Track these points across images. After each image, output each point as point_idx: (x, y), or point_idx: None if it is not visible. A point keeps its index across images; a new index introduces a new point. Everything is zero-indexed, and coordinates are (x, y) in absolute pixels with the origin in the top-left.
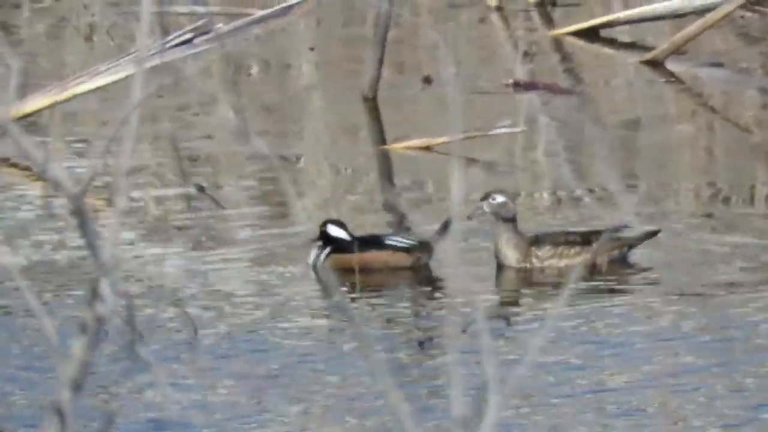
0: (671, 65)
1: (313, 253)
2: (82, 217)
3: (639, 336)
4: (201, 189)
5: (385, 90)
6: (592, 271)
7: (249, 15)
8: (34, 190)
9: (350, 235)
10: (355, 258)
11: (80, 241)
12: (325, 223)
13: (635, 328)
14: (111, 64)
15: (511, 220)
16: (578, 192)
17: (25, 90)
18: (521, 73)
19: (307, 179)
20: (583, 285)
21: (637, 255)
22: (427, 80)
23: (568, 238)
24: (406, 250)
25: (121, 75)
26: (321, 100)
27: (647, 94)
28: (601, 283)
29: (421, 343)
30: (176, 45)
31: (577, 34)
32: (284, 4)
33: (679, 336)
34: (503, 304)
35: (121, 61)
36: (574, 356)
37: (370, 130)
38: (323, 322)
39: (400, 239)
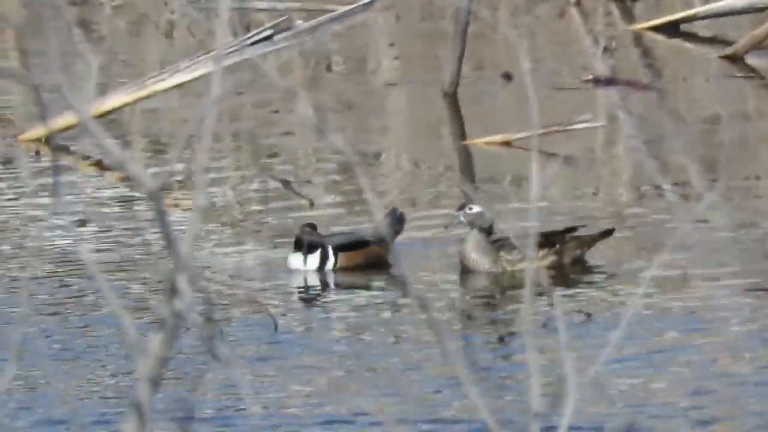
0: (751, 60)
1: (300, 259)
2: (160, 213)
3: (708, 334)
4: (287, 184)
5: (465, 86)
6: (558, 271)
7: (329, 12)
8: (114, 187)
9: (320, 235)
10: (369, 252)
11: (159, 238)
12: (310, 227)
13: (710, 326)
14: (191, 61)
15: (487, 230)
16: (658, 186)
17: (105, 87)
18: (601, 68)
19: (387, 175)
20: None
21: (714, 247)
22: (507, 76)
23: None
24: (382, 244)
25: (201, 72)
26: (401, 96)
27: (727, 89)
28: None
29: (501, 339)
30: (256, 42)
31: (657, 28)
32: (364, 1)
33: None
34: (483, 306)
35: (201, 59)
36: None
37: (450, 126)
38: (399, 316)
39: (372, 235)
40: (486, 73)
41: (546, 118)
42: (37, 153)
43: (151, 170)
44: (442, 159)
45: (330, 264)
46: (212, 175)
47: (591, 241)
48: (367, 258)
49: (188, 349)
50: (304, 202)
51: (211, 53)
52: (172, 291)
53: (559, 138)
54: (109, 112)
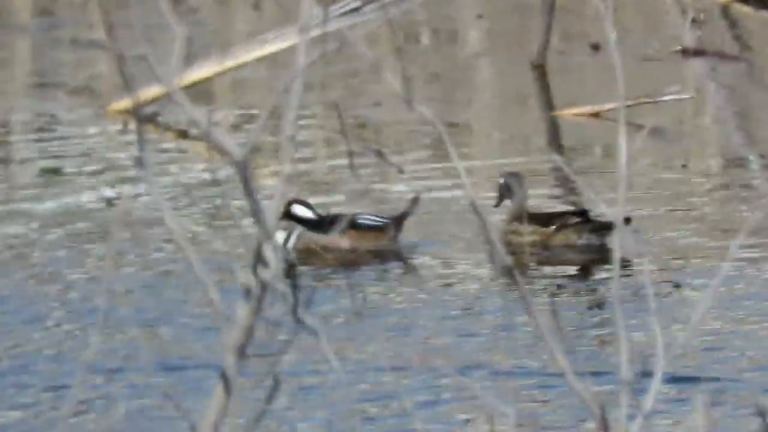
0: None
1: (281, 234)
2: (246, 183)
3: None
4: (379, 154)
5: (554, 57)
6: (547, 249)
7: None
8: (201, 156)
9: (317, 214)
10: (328, 239)
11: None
12: (290, 203)
13: None
14: (279, 32)
15: (518, 197)
16: (746, 158)
17: (193, 58)
18: (689, 39)
19: (474, 146)
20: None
21: None
22: (595, 47)
23: (532, 217)
24: (379, 228)
25: (289, 43)
26: (489, 67)
27: None
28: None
29: (590, 308)
30: (344, 13)
31: (745, 0)
32: None
33: None
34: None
35: (289, 29)
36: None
37: (538, 98)
38: (488, 293)
39: (372, 218)
40: (574, 44)
41: (634, 90)
42: (125, 124)
43: (239, 140)
44: (530, 130)
45: (291, 242)
46: (299, 145)
47: (598, 228)
48: (333, 242)
49: (274, 319)
50: (394, 170)
51: (299, 24)
52: (259, 260)
53: (647, 109)
54: (196, 83)
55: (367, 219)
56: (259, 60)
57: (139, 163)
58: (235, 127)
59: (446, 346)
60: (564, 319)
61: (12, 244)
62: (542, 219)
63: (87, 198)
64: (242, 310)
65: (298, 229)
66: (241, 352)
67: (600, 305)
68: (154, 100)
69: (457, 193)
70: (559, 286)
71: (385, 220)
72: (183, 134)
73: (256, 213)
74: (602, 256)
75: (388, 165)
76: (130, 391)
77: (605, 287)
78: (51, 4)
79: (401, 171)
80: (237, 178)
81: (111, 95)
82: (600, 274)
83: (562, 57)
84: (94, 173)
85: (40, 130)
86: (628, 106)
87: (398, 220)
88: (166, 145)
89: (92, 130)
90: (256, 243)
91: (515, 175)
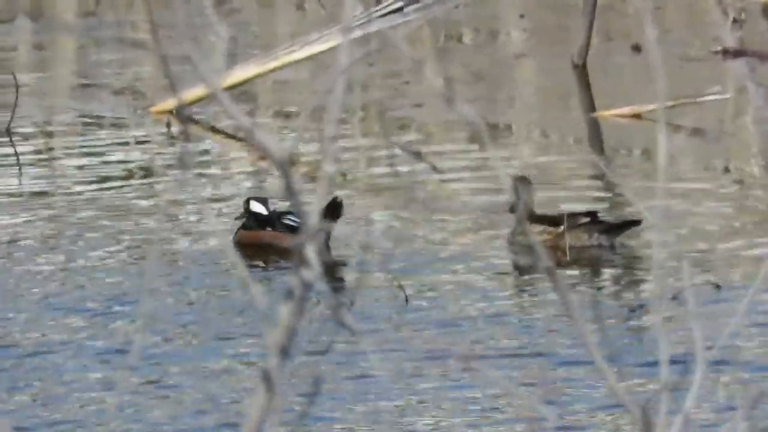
0: None
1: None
2: (288, 184)
3: None
4: (417, 155)
5: (595, 57)
6: (556, 252)
7: None
8: (244, 157)
9: (267, 211)
10: (249, 235)
11: (288, 207)
12: (248, 200)
13: None
14: (322, 33)
15: (522, 201)
16: None
17: (236, 59)
18: (730, 39)
19: (516, 146)
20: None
21: None
22: (636, 48)
23: (539, 219)
24: (293, 229)
25: (331, 44)
26: (530, 67)
27: None
28: None
29: (632, 310)
30: (387, 13)
31: None
32: None
33: None
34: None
35: (332, 30)
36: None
37: (579, 98)
38: (524, 292)
39: (293, 218)
40: (615, 44)
41: (675, 90)
42: (168, 125)
43: (281, 141)
44: (570, 131)
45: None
46: (341, 146)
47: (608, 229)
48: (259, 239)
49: (317, 320)
50: (433, 172)
51: (341, 25)
52: (301, 261)
53: (688, 110)
54: (240, 84)
55: (289, 219)
56: (302, 61)
57: (182, 163)
58: (278, 128)
59: (483, 341)
60: (602, 319)
61: (53, 245)
62: (551, 220)
63: (130, 198)
64: (284, 311)
65: (240, 224)
66: (284, 353)
67: (638, 306)
68: (197, 101)
69: (490, 187)
70: (599, 288)
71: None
72: (226, 135)
73: (298, 213)
74: (614, 256)
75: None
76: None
77: (644, 287)
78: (95, 4)
79: (437, 170)
80: (280, 178)
81: (154, 96)
82: (634, 276)
83: (603, 57)
84: (137, 173)
85: (84, 130)
86: (669, 107)
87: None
88: (208, 146)
89: (135, 130)
90: (298, 243)
91: (522, 179)
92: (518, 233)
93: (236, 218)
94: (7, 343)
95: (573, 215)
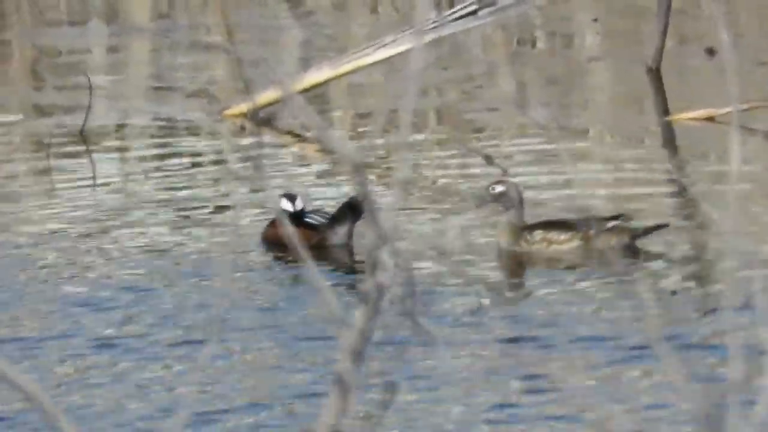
0: None
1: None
2: (362, 187)
3: None
4: (489, 159)
5: (669, 61)
6: (591, 256)
7: None
8: (318, 160)
9: (293, 208)
10: (270, 232)
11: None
12: (283, 196)
13: None
14: (395, 35)
15: (515, 207)
16: None
17: (310, 62)
18: None
19: (590, 150)
20: None
21: None
22: (710, 51)
23: (565, 224)
24: (314, 227)
25: (406, 47)
26: (604, 71)
27: None
28: None
29: (705, 314)
30: (460, 17)
31: None
32: None
33: None
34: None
35: (405, 33)
36: None
37: (653, 101)
38: (602, 291)
39: (316, 217)
40: (689, 48)
41: (749, 94)
42: (242, 128)
43: (355, 144)
44: (645, 134)
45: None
46: (415, 150)
47: (635, 232)
48: (281, 237)
49: (390, 323)
50: (505, 176)
51: (415, 28)
52: (375, 264)
53: (761, 113)
54: (313, 87)
55: (310, 217)
56: (376, 64)
57: (256, 166)
58: (352, 131)
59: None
60: (673, 321)
61: (126, 245)
62: (574, 225)
63: (203, 200)
64: (359, 314)
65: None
66: (358, 356)
67: (709, 310)
68: (271, 104)
69: (566, 194)
70: (674, 292)
71: (322, 221)
72: (300, 138)
73: (371, 217)
74: (639, 259)
75: (499, 169)
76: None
77: (716, 290)
78: (169, 7)
79: (507, 174)
80: (354, 181)
81: (228, 99)
82: (703, 278)
83: (678, 60)
84: (210, 176)
85: (157, 133)
86: (742, 110)
87: (333, 222)
88: (282, 149)
89: (209, 133)
90: (372, 246)
91: (514, 186)
92: (525, 241)
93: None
94: (110, 334)
95: (600, 219)
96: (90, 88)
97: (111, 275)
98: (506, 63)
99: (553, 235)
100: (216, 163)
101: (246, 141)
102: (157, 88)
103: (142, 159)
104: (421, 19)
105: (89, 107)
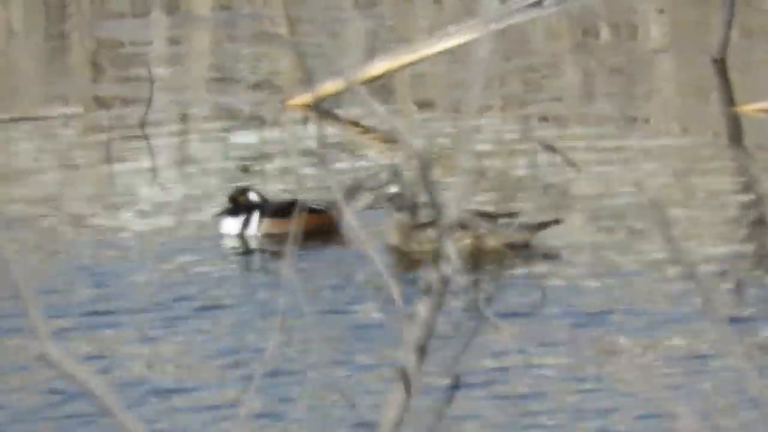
0: None
1: (233, 221)
2: (426, 178)
3: None
4: (552, 149)
5: (734, 52)
6: (480, 254)
7: None
8: (382, 151)
9: (264, 200)
10: (295, 222)
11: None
12: (244, 191)
13: None
14: (459, 26)
15: (406, 208)
16: None
17: (374, 52)
18: None
19: (655, 141)
20: None
21: None
22: None
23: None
24: (322, 213)
25: (470, 37)
26: (669, 61)
27: None
28: None
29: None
30: (524, 7)
31: None
32: None
33: None
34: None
35: (470, 23)
36: None
37: (719, 92)
38: (674, 288)
39: (317, 203)
40: (755, 39)
41: None
42: (305, 119)
43: (420, 135)
44: (710, 125)
45: (253, 229)
46: (479, 140)
47: (531, 229)
48: (297, 226)
49: (455, 315)
50: (570, 166)
51: (480, 17)
52: (439, 256)
53: None
54: (377, 77)
55: (314, 204)
56: (440, 54)
57: (319, 156)
58: (416, 121)
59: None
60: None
61: (190, 238)
62: (465, 224)
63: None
64: (423, 307)
65: (255, 215)
66: (422, 350)
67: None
68: (333, 95)
69: (627, 183)
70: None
71: (326, 206)
72: (363, 129)
73: (435, 208)
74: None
75: (564, 160)
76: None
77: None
78: None
79: (576, 167)
80: (417, 172)
81: (291, 89)
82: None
83: (743, 52)
84: (273, 167)
85: (219, 124)
86: None
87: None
88: (345, 140)
89: (272, 124)
90: (437, 238)
91: (409, 186)
92: (426, 240)
93: (223, 213)
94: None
95: (488, 217)
96: (151, 79)
97: (175, 266)
98: (571, 54)
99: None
100: (279, 153)
101: (309, 132)
102: (219, 79)
103: (203, 150)
104: (486, 9)
105: (150, 99)
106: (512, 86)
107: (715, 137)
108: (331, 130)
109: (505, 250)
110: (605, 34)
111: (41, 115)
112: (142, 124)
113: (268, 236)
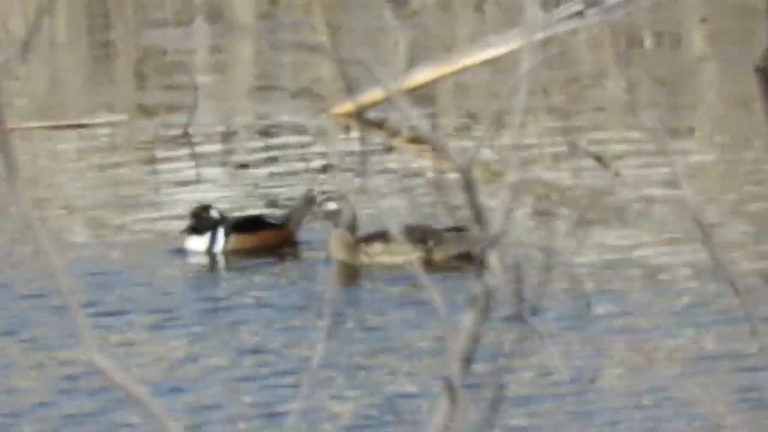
0: None
1: (199, 239)
2: (469, 189)
3: None
4: (598, 159)
5: None
6: (430, 266)
7: None
8: (424, 161)
9: (224, 216)
10: (260, 236)
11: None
12: (207, 208)
13: None
14: (501, 35)
15: (345, 225)
16: None
17: (415, 61)
18: None
19: (698, 152)
20: None
21: None
22: None
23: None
24: (279, 227)
25: (511, 47)
26: (713, 71)
27: None
28: None
29: None
30: (567, 16)
31: None
32: None
33: None
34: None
35: (512, 33)
36: None
37: (762, 101)
38: (706, 293)
39: (273, 218)
40: None
41: None
42: (347, 128)
43: (462, 145)
44: (754, 135)
45: (220, 245)
46: (522, 150)
47: (474, 241)
48: (262, 241)
49: (499, 326)
50: (614, 176)
51: (521, 27)
52: (483, 267)
53: None
54: (419, 87)
55: (272, 219)
56: (482, 64)
57: (361, 167)
58: (458, 132)
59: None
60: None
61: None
62: (412, 236)
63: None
64: (468, 317)
65: (220, 231)
66: (467, 360)
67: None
68: (376, 104)
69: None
70: None
71: (284, 219)
72: (406, 138)
73: (479, 219)
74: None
75: (608, 170)
76: None
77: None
78: (273, 6)
79: (618, 175)
80: (460, 183)
81: (333, 98)
82: None
83: None
84: (314, 177)
85: (262, 133)
86: None
87: (291, 218)
88: (388, 150)
89: (313, 133)
90: (480, 249)
91: (347, 203)
92: (376, 253)
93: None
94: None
95: (435, 231)
96: (194, 88)
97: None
98: (614, 63)
99: (394, 246)
100: (321, 163)
101: (351, 141)
102: (261, 88)
103: (246, 158)
104: (529, 19)
105: (193, 107)
106: (555, 96)
107: (758, 146)
108: (375, 140)
109: (452, 263)
110: (648, 43)
111: (86, 123)
112: (186, 132)
113: (234, 252)
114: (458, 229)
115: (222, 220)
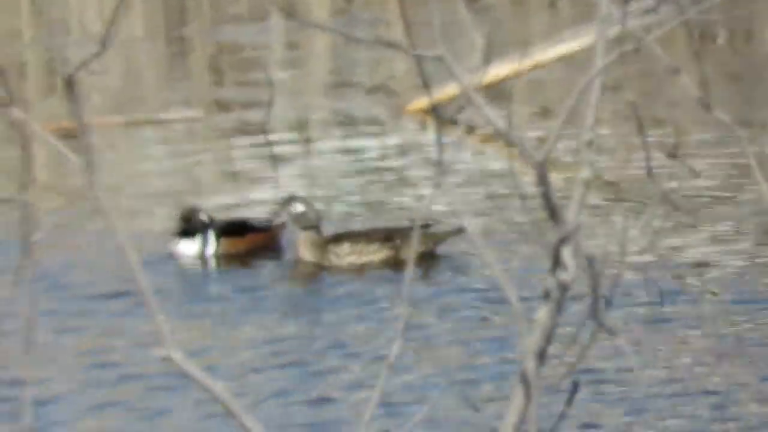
0: None
1: (189, 242)
2: (544, 184)
3: None
4: (673, 156)
5: None
6: (398, 266)
7: None
8: (500, 158)
9: (212, 219)
10: (249, 240)
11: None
12: (195, 211)
13: None
14: (575, 31)
15: (311, 227)
16: None
17: (490, 57)
18: None
19: None
20: None
21: None
22: None
23: (369, 235)
24: (265, 230)
25: (585, 43)
26: None
27: None
28: None
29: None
30: (641, 12)
31: None
32: None
33: None
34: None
35: (585, 29)
36: None
37: None
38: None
39: (259, 221)
40: None
41: None
42: (423, 124)
43: (537, 141)
44: None
45: (211, 249)
46: (596, 147)
47: (437, 238)
48: (251, 244)
49: (574, 320)
50: (690, 174)
51: (595, 23)
52: (557, 262)
53: None
54: (494, 83)
55: (257, 223)
56: (557, 60)
57: (437, 163)
58: (534, 128)
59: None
60: None
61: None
62: (378, 236)
63: (384, 197)
64: (542, 313)
65: (210, 235)
66: (541, 356)
67: None
68: (452, 100)
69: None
70: None
71: (270, 223)
72: (483, 135)
73: (554, 216)
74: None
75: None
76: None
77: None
78: (348, 2)
79: (696, 174)
80: (535, 179)
81: (409, 94)
82: None
83: None
84: (391, 172)
85: (338, 129)
86: None
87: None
88: (465, 146)
89: (390, 129)
90: (555, 245)
91: (311, 205)
92: (345, 254)
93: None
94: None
95: (399, 229)
96: (270, 84)
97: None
98: (687, 59)
99: (362, 246)
100: (397, 158)
101: (427, 137)
102: (337, 84)
103: (323, 154)
104: (604, 14)
105: (270, 103)
106: (629, 92)
107: None
108: (451, 136)
109: (418, 258)
110: (722, 39)
111: (163, 119)
112: (264, 128)
113: (225, 255)
114: (425, 227)
115: (211, 223)
